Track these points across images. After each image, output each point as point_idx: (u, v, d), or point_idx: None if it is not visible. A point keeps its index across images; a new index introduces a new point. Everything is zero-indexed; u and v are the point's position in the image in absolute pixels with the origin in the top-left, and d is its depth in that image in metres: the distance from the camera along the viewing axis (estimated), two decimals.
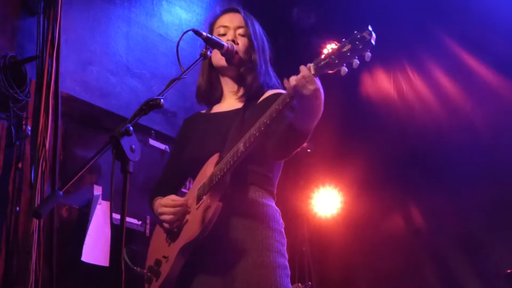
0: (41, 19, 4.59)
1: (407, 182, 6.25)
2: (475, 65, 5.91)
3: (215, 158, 2.94)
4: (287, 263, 2.89)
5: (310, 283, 5.10)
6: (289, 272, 2.88)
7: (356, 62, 2.47)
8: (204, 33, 2.93)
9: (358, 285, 6.17)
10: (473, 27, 5.89)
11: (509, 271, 4.81)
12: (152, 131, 5.37)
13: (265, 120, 2.65)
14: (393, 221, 6.34)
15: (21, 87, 4.30)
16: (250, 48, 3.16)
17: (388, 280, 5.80)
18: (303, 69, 2.59)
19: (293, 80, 2.58)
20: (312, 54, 6.83)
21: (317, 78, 2.58)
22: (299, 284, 4.90)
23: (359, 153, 6.37)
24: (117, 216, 2.10)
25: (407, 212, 6.30)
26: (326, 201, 6.77)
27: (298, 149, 2.82)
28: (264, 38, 3.27)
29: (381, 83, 6.65)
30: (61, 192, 2.10)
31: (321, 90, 2.59)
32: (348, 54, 2.48)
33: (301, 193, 6.74)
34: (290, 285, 2.85)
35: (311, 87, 2.55)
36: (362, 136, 6.56)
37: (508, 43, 5.68)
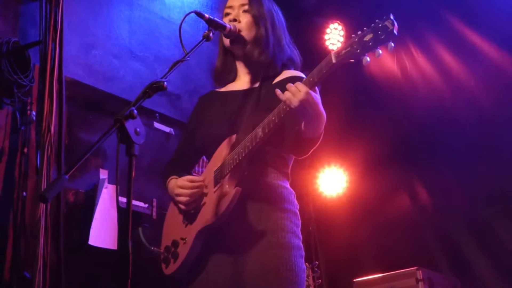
0: (43, 4, 4.58)
1: (412, 160, 6.25)
2: (478, 41, 5.89)
3: (231, 139, 2.93)
4: (301, 244, 2.89)
5: (317, 262, 5.12)
6: (303, 253, 2.88)
7: (378, 52, 2.44)
8: (206, 15, 2.92)
9: (365, 264, 6.19)
10: (475, 3, 5.87)
11: None
12: (157, 114, 5.37)
13: (285, 107, 2.65)
14: (399, 199, 6.35)
15: (25, 73, 4.30)
16: (254, 24, 3.12)
17: (394, 259, 5.81)
18: (288, 85, 2.62)
19: (282, 96, 2.62)
20: (315, 34, 6.86)
21: (309, 87, 2.60)
22: (306, 263, 4.92)
23: (364, 133, 6.38)
24: (123, 199, 2.11)
25: (412, 190, 6.31)
26: (332, 181, 6.80)
27: (315, 147, 2.84)
28: (274, 12, 3.22)
29: (385, 62, 6.63)
30: (67, 176, 2.10)
31: (312, 98, 2.60)
32: (370, 44, 2.43)
33: (307, 172, 6.76)
34: (304, 265, 2.85)
35: (297, 99, 2.57)
36: (367, 116, 6.56)
37: (510, 18, 5.65)
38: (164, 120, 5.44)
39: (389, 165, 6.30)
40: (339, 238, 6.58)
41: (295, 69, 3.17)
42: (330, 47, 6.91)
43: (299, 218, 2.96)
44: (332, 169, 6.82)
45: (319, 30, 6.99)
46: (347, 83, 6.24)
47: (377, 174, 6.37)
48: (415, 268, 5.21)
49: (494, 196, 5.64)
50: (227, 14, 3.19)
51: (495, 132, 5.69)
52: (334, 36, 6.95)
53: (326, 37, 6.97)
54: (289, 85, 2.62)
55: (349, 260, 6.43)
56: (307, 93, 2.58)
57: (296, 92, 2.59)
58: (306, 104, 2.58)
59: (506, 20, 5.66)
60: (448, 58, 6.15)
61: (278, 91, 2.65)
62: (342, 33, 6.95)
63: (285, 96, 2.60)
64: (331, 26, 6.97)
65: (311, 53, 5.89)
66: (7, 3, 4.48)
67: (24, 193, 4.22)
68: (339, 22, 6.96)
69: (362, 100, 6.66)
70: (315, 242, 6.58)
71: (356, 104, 6.63)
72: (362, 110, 6.62)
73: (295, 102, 2.58)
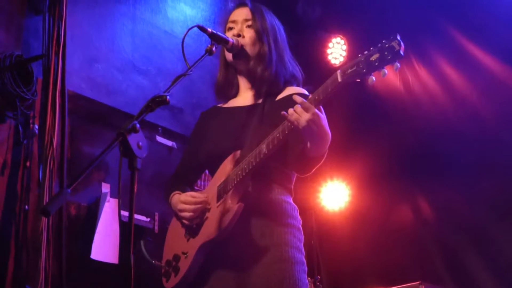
0: (47, 17, 4.59)
1: (414, 175, 6.24)
2: (480, 55, 5.90)
3: (235, 155, 2.92)
4: (304, 259, 2.90)
5: (319, 277, 5.11)
6: (306, 268, 2.88)
7: (384, 72, 2.45)
8: (209, 29, 2.93)
9: (367, 278, 6.16)
10: (476, 17, 5.88)
11: None
12: (159, 128, 5.37)
13: (289, 124, 2.64)
14: (401, 213, 6.33)
15: (28, 86, 4.31)
16: (257, 40, 3.12)
17: (396, 273, 5.79)
18: (297, 102, 2.62)
19: (288, 117, 2.61)
20: (318, 48, 6.87)
21: (315, 106, 2.60)
22: (308, 278, 4.91)
23: (366, 147, 6.37)
24: (125, 213, 2.10)
25: (415, 204, 6.29)
26: (334, 195, 6.78)
27: (318, 166, 2.85)
28: (277, 28, 3.22)
29: (387, 76, 6.62)
30: (69, 190, 2.10)
31: (319, 118, 2.60)
32: (376, 64, 2.44)
33: (309, 186, 6.74)
34: (307, 280, 2.86)
35: (304, 120, 2.57)
36: (369, 129, 6.55)
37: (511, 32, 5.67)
38: (167, 134, 5.44)
39: (391, 179, 6.30)
40: (342, 252, 6.56)
41: (298, 85, 3.17)
42: (333, 61, 6.92)
43: (302, 233, 2.96)
44: (334, 183, 6.80)
45: (322, 44, 7.00)
46: (349, 97, 6.24)
47: (380, 188, 6.37)
48: (418, 282, 5.18)
49: (497, 209, 5.62)
50: (231, 28, 3.19)
51: (498, 145, 5.67)
52: (337, 50, 6.96)
53: (328, 51, 6.98)
54: (296, 106, 2.60)
55: (352, 274, 6.41)
56: (314, 114, 2.57)
57: (302, 112, 2.58)
58: (312, 125, 2.58)
59: (508, 33, 5.66)
60: (450, 72, 6.15)
61: (284, 114, 2.63)
62: (344, 47, 6.96)
63: (292, 117, 2.59)
64: (334, 40, 6.98)
65: (313, 67, 5.88)
66: (11, 16, 4.49)
67: (26, 207, 4.22)
68: (341, 36, 6.97)
69: (364, 113, 6.65)
70: (317, 256, 6.55)
71: (359, 117, 6.63)
72: (365, 124, 6.61)
73: (302, 122, 2.57)
